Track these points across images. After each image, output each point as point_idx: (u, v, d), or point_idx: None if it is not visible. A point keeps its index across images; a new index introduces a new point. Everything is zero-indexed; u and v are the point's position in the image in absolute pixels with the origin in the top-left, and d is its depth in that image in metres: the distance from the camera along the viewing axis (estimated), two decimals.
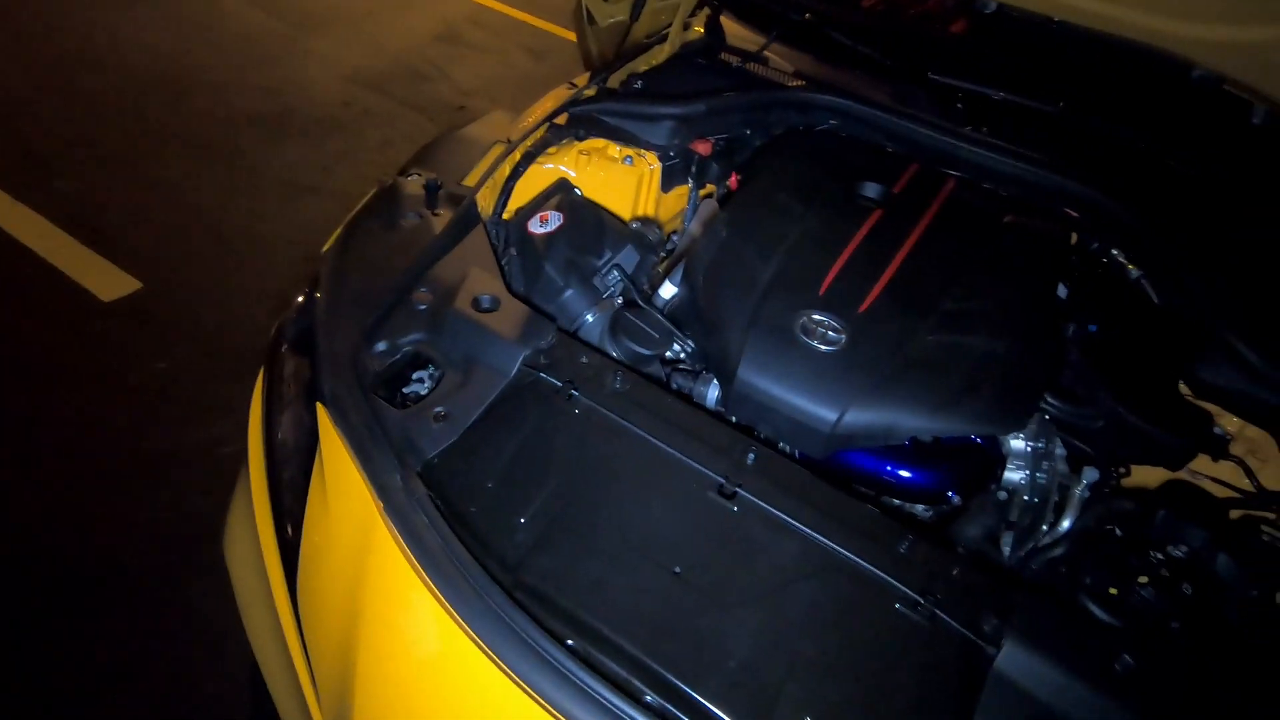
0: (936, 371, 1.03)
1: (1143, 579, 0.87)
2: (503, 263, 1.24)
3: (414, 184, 1.34)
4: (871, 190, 1.32)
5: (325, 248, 1.28)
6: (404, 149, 1.69)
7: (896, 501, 1.07)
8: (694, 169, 1.51)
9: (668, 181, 1.52)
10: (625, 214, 1.45)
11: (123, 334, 2.14)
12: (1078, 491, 1.02)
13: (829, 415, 1.00)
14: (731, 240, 1.21)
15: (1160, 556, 0.90)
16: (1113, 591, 0.88)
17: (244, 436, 1.21)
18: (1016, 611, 0.81)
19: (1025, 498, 1.04)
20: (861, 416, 1.00)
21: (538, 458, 0.97)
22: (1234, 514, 0.97)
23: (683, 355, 1.21)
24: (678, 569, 0.86)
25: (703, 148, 1.49)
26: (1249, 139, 1.35)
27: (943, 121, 1.49)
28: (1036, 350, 1.08)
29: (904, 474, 1.02)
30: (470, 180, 1.36)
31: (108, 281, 2.26)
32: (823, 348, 1.05)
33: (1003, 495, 1.05)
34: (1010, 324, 1.09)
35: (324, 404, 1.01)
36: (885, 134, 1.48)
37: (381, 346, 1.08)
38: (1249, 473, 1.01)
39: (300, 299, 1.22)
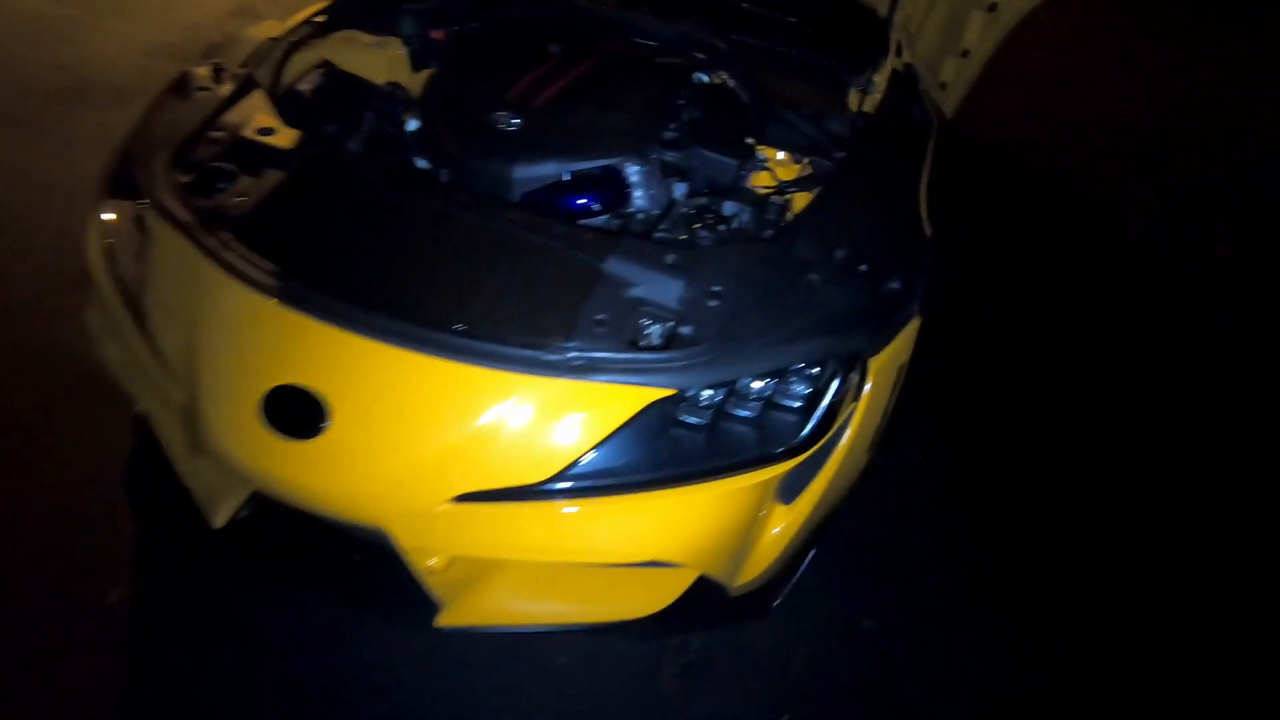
0: (584, 133, 1.59)
1: (697, 226, 1.47)
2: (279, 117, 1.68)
3: (203, 69, 1.74)
4: (555, 48, 1.87)
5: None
6: None
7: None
8: (436, 52, 2.00)
9: (418, 64, 2.00)
10: (380, 81, 1.92)
11: None
12: (677, 198, 1.62)
13: (509, 167, 1.53)
14: (451, 78, 1.72)
15: (712, 216, 1.50)
16: (683, 236, 1.47)
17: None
18: (620, 246, 1.37)
19: (650, 211, 1.62)
20: (532, 167, 1.55)
21: (321, 211, 1.43)
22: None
23: (426, 167, 1.70)
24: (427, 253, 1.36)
25: (437, 35, 1.98)
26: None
27: (612, 7, 2.07)
28: (647, 120, 1.67)
29: (567, 198, 1.57)
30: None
31: None
32: (509, 129, 1.58)
33: (639, 216, 1.63)
34: (634, 110, 1.68)
35: (151, 206, 1.42)
36: (571, 14, 2.02)
37: (190, 166, 1.49)
38: (773, 175, 1.65)
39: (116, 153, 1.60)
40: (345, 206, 1.43)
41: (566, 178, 1.56)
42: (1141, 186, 3.82)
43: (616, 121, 1.63)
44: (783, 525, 1.44)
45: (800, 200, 1.60)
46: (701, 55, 1.94)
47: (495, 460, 1.22)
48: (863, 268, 1.44)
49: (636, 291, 1.33)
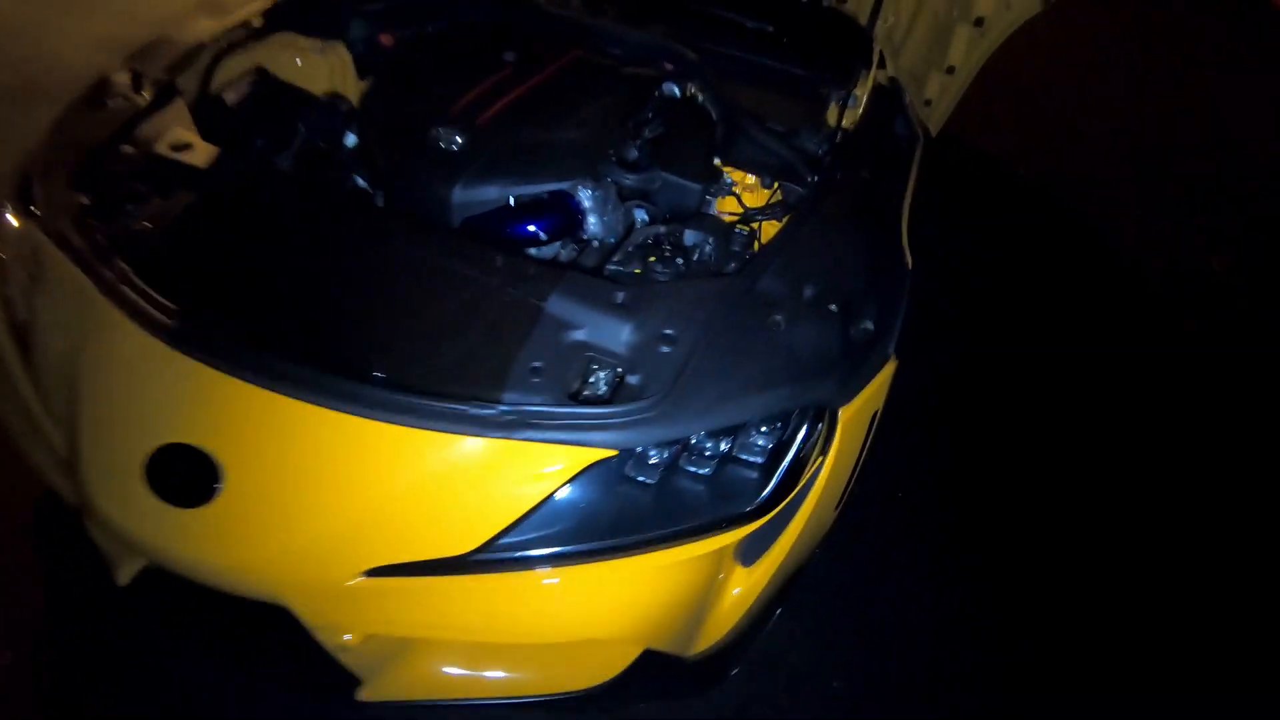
0: (533, 153, 1.45)
1: (653, 259, 1.33)
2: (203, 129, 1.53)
3: (122, 76, 1.59)
4: (511, 55, 1.73)
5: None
6: None
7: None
8: (383, 59, 1.85)
9: (364, 70, 1.86)
10: (320, 91, 1.77)
11: None
12: (636, 225, 1.48)
13: (448, 190, 1.39)
14: (393, 89, 1.58)
15: (670, 247, 1.37)
16: (638, 270, 1.34)
17: None
18: (563, 283, 1.23)
19: (604, 238, 1.49)
20: (472, 190, 1.40)
21: (233, 239, 1.29)
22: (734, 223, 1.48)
23: (363, 187, 1.56)
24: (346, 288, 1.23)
25: (386, 40, 1.84)
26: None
27: (577, 11, 1.92)
28: (605, 138, 1.53)
29: (511, 225, 1.42)
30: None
31: None
32: (449, 147, 1.44)
33: (594, 244, 1.49)
34: (590, 127, 1.54)
35: (43, 229, 1.27)
36: (530, 19, 1.88)
37: (94, 186, 1.34)
38: (740, 202, 1.51)
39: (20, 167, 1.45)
40: (260, 234, 1.29)
41: (511, 202, 1.41)
42: (1137, 195, 3.70)
43: (570, 140, 1.50)
44: (743, 588, 1.31)
45: (769, 229, 1.47)
46: (669, 65, 1.80)
47: (414, 529, 1.08)
48: (833, 307, 1.31)
49: (580, 335, 1.19)
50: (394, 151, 1.44)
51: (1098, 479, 2.29)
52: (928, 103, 1.89)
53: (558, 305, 1.21)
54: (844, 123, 1.91)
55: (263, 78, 1.65)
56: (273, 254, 1.26)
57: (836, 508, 1.40)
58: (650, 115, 1.68)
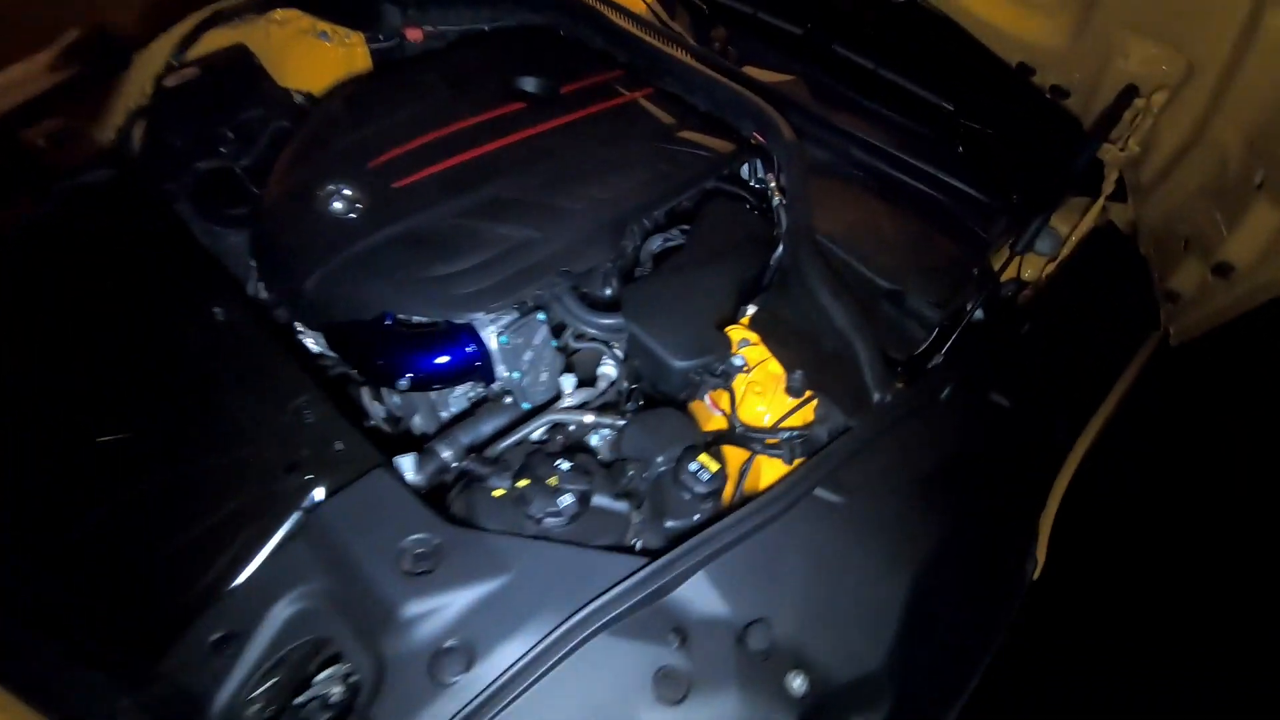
0: (441, 246, 0.96)
1: (524, 481, 0.80)
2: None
3: (95, 34, 1.33)
4: (530, 84, 1.24)
5: None
6: None
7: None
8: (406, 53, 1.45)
9: None
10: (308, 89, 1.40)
11: None
12: (565, 398, 0.94)
13: (301, 277, 0.94)
14: (331, 112, 1.16)
15: (567, 466, 0.82)
16: (497, 493, 0.81)
17: None
18: (345, 492, 0.76)
19: (522, 403, 0.96)
20: (333, 286, 0.94)
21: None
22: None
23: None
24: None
25: (414, 34, 1.43)
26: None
27: (658, 31, 1.37)
28: (574, 240, 0.99)
29: (381, 351, 0.95)
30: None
31: None
32: (341, 216, 0.99)
33: (508, 399, 0.98)
34: (563, 216, 1.01)
35: None
36: (602, 35, 1.37)
37: None
38: (733, 403, 0.89)
39: None
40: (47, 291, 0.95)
41: (389, 321, 0.93)
42: None
43: (515, 238, 0.97)
44: None
45: (768, 471, 0.86)
46: (756, 135, 1.21)
47: None
48: (798, 683, 0.70)
49: (317, 597, 0.71)
50: (274, 206, 1.01)
51: None
52: (1173, 298, 1.09)
53: (320, 532, 0.73)
54: (1019, 274, 1.22)
55: (221, 56, 1.30)
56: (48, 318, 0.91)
57: None
58: (680, 211, 1.10)
